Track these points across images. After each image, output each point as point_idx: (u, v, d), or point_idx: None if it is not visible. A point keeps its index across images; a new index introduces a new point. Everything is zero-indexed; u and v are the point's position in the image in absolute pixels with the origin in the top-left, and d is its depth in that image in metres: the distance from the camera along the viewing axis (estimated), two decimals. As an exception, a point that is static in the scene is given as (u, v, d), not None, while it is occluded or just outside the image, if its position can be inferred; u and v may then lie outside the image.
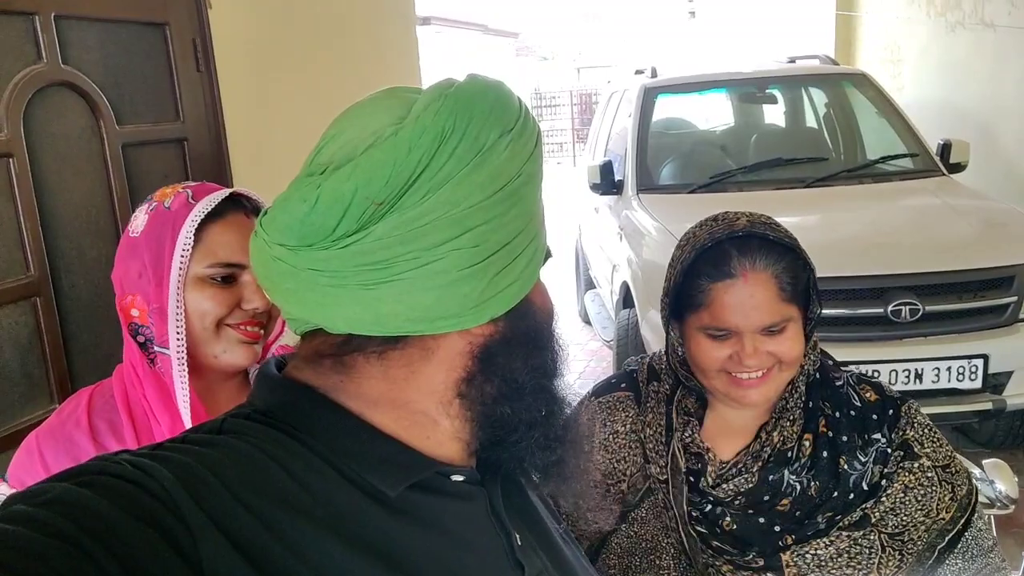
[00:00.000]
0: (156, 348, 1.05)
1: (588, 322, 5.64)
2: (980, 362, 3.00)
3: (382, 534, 0.55)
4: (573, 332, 5.98)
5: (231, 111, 2.74)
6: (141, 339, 1.06)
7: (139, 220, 1.06)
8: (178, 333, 1.03)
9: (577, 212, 6.26)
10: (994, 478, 1.30)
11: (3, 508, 0.46)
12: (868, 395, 1.15)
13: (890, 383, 2.95)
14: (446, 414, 0.61)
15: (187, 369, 1.04)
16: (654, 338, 3.38)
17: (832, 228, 3.54)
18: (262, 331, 1.10)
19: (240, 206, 1.09)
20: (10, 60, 1.96)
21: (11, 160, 1.93)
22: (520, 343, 0.61)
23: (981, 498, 1.35)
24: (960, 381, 3.01)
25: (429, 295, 0.56)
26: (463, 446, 0.63)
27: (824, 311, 3.24)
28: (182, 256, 1.02)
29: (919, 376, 3.01)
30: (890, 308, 3.03)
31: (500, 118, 0.58)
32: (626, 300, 3.93)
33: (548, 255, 0.66)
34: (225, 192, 1.07)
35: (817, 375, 1.15)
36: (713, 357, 1.08)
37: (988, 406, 3.02)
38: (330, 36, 3.42)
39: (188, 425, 1.03)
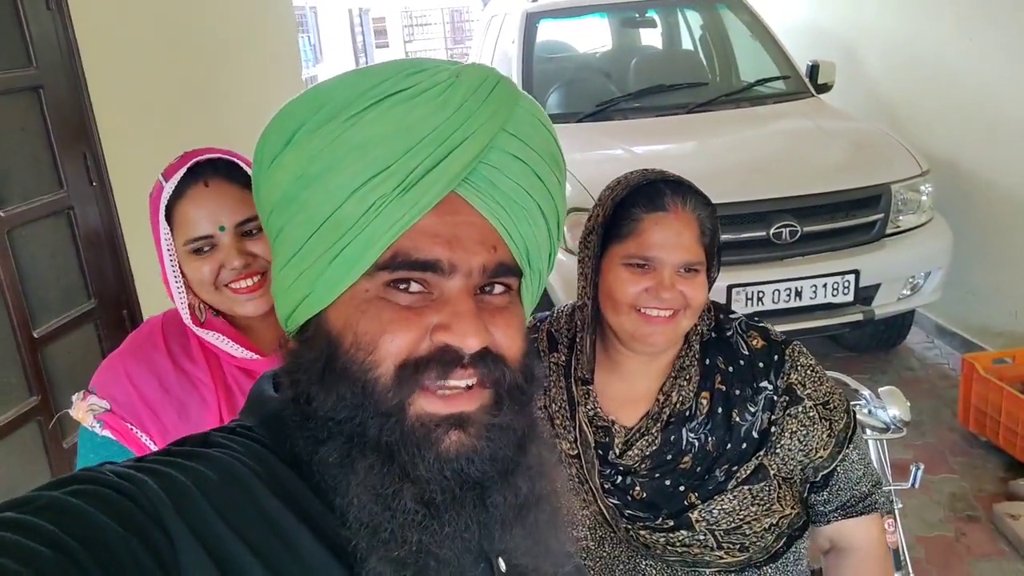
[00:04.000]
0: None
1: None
2: (852, 277, 3.21)
3: (355, 559, 0.54)
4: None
5: (89, 52, 2.50)
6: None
7: None
8: (180, 300, 1.17)
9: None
10: (888, 404, 1.41)
11: None
12: (755, 342, 1.20)
13: (773, 302, 3.16)
14: None
15: (191, 322, 1.18)
16: (554, 274, 3.42)
17: (715, 155, 3.65)
18: (261, 280, 1.17)
19: (200, 175, 1.14)
20: None
21: None
22: (310, 369, 0.57)
23: (876, 422, 1.46)
24: (835, 296, 3.22)
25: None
26: None
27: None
28: (166, 240, 1.15)
29: (799, 294, 3.19)
30: (772, 231, 3.18)
31: (287, 125, 0.57)
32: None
33: (396, 264, 0.55)
34: (183, 169, 1.13)
35: (712, 334, 1.21)
36: (629, 290, 1.11)
37: (859, 317, 3.26)
38: (192, -37, 3.15)
39: (238, 353, 1.18)
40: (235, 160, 1.17)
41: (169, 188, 1.13)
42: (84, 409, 1.15)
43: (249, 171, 1.13)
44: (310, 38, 16.18)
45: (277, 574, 0.51)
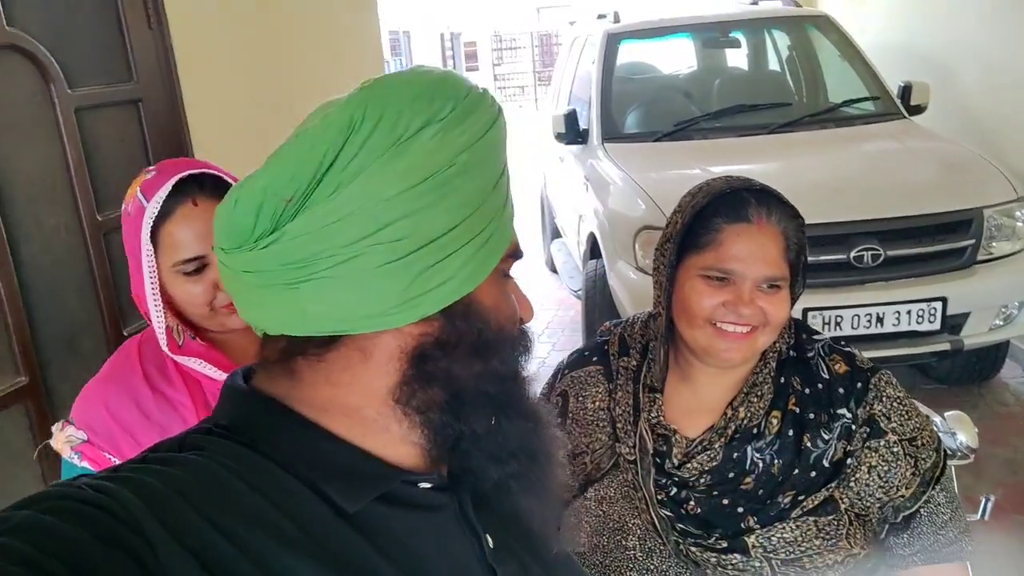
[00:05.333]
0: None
1: (555, 271, 5.66)
2: (939, 305, 3.07)
3: (349, 549, 0.55)
4: (540, 281, 6.00)
5: (186, 69, 2.65)
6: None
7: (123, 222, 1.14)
8: (159, 327, 1.12)
9: (540, 159, 6.22)
10: (955, 430, 1.35)
11: None
12: (838, 366, 1.14)
13: (852, 328, 3.06)
14: (393, 419, 0.59)
15: (168, 350, 1.14)
16: (621, 289, 3.41)
17: (795, 175, 3.56)
18: None
19: (187, 194, 1.11)
20: (-50, 23, 1.87)
21: (-41, 129, 1.86)
22: (459, 347, 0.59)
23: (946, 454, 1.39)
24: (920, 324, 3.09)
25: (349, 293, 0.55)
26: (421, 451, 0.61)
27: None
28: (148, 260, 1.10)
29: (880, 320, 3.08)
30: (853, 254, 3.08)
31: (425, 107, 0.56)
32: (593, 251, 3.94)
33: (515, 254, 0.63)
34: (168, 188, 1.09)
35: (792, 353, 1.15)
36: (705, 303, 1.07)
37: (946, 347, 3.11)
38: (285, -14, 3.31)
39: (218, 376, 1.14)
40: (220, 175, 1.14)
41: (154, 208, 1.08)
42: (62, 440, 1.13)
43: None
44: (402, 60, 16.66)
45: (268, 571, 0.50)
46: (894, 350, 3.09)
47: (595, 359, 1.24)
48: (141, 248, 1.09)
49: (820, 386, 1.12)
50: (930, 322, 3.09)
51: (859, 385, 1.12)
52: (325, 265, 0.54)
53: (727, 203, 1.08)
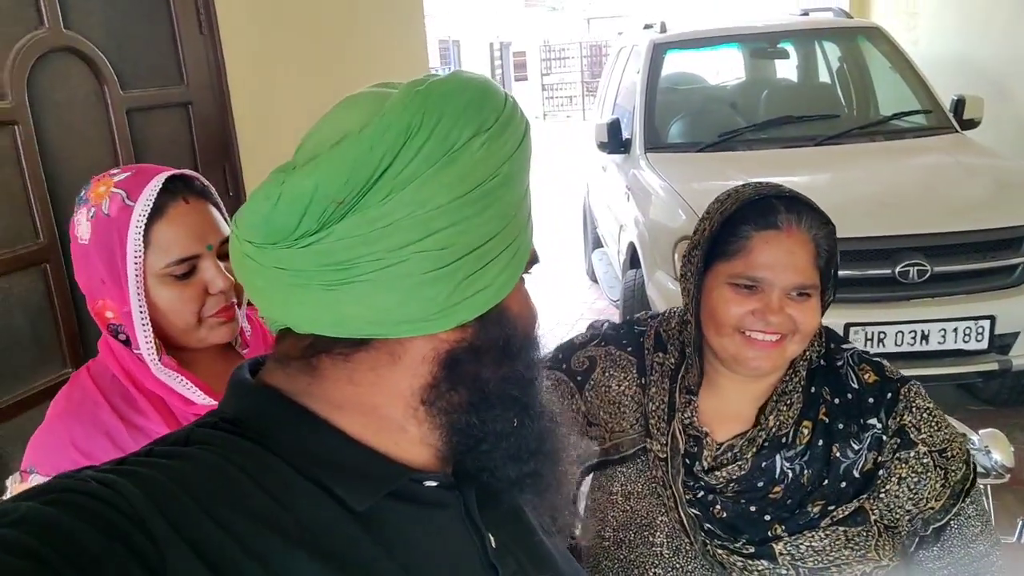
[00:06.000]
0: (135, 350, 1.06)
1: (596, 280, 5.65)
2: (987, 323, 2.99)
3: (353, 547, 0.55)
4: (580, 291, 6.00)
5: (235, 73, 2.72)
6: (123, 337, 1.07)
7: (83, 227, 1.04)
8: (146, 337, 1.04)
9: (585, 169, 6.22)
10: (990, 448, 1.31)
11: None
12: (867, 376, 1.13)
13: (896, 344, 2.99)
14: (414, 420, 0.59)
15: (160, 364, 1.06)
16: (660, 299, 3.39)
17: (840, 188, 3.51)
18: (235, 304, 1.12)
19: (177, 192, 1.06)
20: (11, 26, 1.95)
21: (16, 127, 1.93)
22: (490, 352, 0.59)
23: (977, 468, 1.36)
24: (967, 342, 3.01)
25: (391, 298, 0.55)
26: (434, 452, 0.61)
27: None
28: (135, 264, 1.02)
29: (925, 337, 3.01)
30: (898, 269, 3.02)
31: (475, 116, 0.56)
32: (633, 260, 3.93)
33: (534, 260, 0.64)
34: (158, 185, 1.04)
35: (822, 362, 1.14)
36: (733, 311, 1.06)
37: (994, 367, 3.02)
38: (334, -6, 3.37)
39: (199, 399, 1.08)
40: (203, 179, 1.11)
41: (145, 205, 1.02)
42: None
43: (212, 191, 1.10)
44: (450, 69, 16.84)
45: (270, 568, 0.50)
46: (939, 368, 3.02)
47: (630, 349, 1.23)
48: (127, 250, 1.01)
49: (850, 396, 1.11)
50: (977, 341, 3.01)
51: (889, 396, 1.10)
52: (368, 269, 0.54)
53: (756, 210, 1.07)
